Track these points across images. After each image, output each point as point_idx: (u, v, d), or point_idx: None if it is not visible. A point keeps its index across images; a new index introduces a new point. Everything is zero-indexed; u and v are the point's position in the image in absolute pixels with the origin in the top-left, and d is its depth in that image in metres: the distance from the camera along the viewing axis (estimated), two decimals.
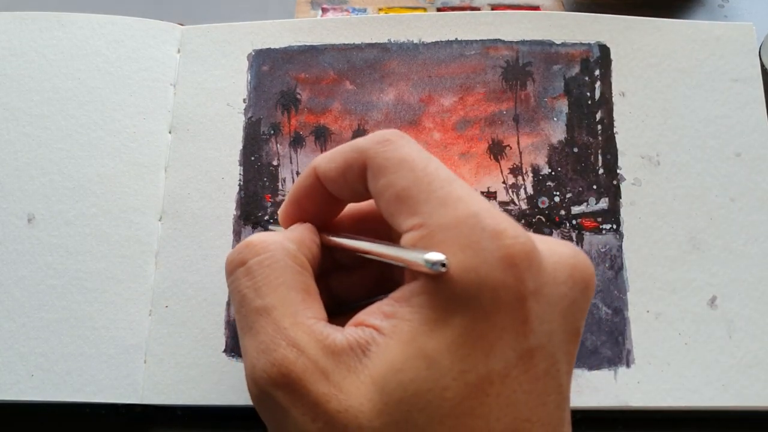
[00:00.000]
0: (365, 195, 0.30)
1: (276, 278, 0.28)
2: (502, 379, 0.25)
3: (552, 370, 0.26)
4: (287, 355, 0.25)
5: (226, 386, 0.40)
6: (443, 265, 0.25)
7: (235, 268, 0.29)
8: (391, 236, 0.31)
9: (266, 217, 0.43)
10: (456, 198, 0.26)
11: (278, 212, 0.34)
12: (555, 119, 0.45)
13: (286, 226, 0.33)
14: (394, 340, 0.25)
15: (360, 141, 0.30)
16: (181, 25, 0.48)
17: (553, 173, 0.44)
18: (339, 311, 0.33)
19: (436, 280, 0.25)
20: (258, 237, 0.30)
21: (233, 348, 0.41)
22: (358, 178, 0.30)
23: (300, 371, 0.25)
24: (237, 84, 0.46)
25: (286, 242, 0.29)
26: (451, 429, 0.24)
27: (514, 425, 0.25)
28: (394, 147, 0.28)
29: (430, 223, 0.26)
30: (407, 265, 0.26)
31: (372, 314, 0.27)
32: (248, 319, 0.28)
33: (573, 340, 0.27)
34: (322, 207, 0.33)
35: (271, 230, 0.39)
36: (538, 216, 0.43)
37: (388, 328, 0.25)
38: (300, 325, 0.26)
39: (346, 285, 0.36)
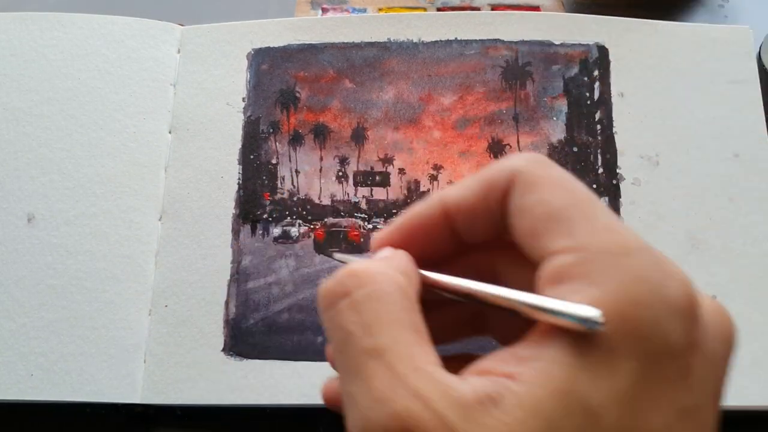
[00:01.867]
0: (498, 229, 0.27)
1: (387, 314, 0.24)
2: None
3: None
4: (411, 407, 0.21)
5: (225, 385, 0.40)
6: (598, 322, 0.21)
7: (336, 300, 0.25)
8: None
9: (265, 216, 0.43)
10: (620, 228, 0.23)
11: (376, 237, 0.29)
12: (554, 119, 0.45)
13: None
14: (543, 388, 0.21)
15: (504, 160, 0.26)
16: (181, 25, 0.48)
17: None
18: None
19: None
20: (362, 265, 0.26)
21: (232, 347, 0.41)
22: (501, 199, 0.26)
23: (427, 427, 0.21)
24: (236, 83, 0.46)
25: (394, 273, 0.25)
26: None
27: None
28: (549, 166, 0.25)
29: (589, 247, 0.23)
30: (547, 320, 0.22)
31: (501, 361, 0.23)
32: (355, 360, 0.23)
33: (718, 404, 0.24)
34: (435, 246, 0.29)
35: (338, 259, 0.33)
36: None
37: (528, 374, 0.21)
38: (420, 371, 0.23)
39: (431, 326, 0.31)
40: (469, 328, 0.31)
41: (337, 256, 0.33)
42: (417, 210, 0.28)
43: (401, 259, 0.27)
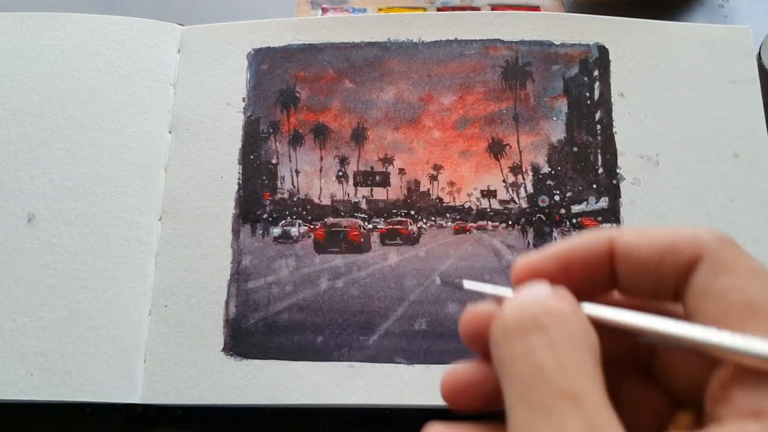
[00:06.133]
0: (666, 290, 0.25)
1: (585, 362, 0.22)
2: None
3: None
4: None
5: (224, 385, 0.40)
6: None
7: (528, 332, 0.23)
8: None
9: (265, 216, 0.43)
10: None
11: (523, 262, 0.26)
12: (554, 119, 0.45)
13: (519, 283, 0.27)
14: None
15: (691, 229, 0.25)
16: (181, 25, 0.48)
17: (552, 172, 0.44)
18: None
19: None
20: (555, 303, 0.24)
21: (232, 347, 0.41)
22: (680, 268, 0.24)
23: None
24: (236, 83, 0.46)
25: (584, 321, 0.24)
26: None
27: None
28: (741, 251, 0.24)
29: None
30: (737, 360, 0.21)
31: None
32: (545, 399, 0.22)
33: None
34: (588, 284, 0.26)
35: (472, 288, 0.28)
36: (538, 214, 0.43)
37: None
38: (617, 428, 0.21)
39: None
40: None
41: (469, 285, 0.28)
42: (580, 241, 0.26)
43: (574, 301, 0.24)
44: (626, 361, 0.28)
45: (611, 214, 0.43)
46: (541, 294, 0.24)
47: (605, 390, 0.22)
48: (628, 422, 0.22)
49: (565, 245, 0.26)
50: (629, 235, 0.25)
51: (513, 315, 0.24)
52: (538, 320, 0.23)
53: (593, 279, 0.26)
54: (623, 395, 0.27)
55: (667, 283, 0.25)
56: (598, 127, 0.44)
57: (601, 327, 0.24)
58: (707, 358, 0.23)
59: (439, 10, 0.54)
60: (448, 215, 0.44)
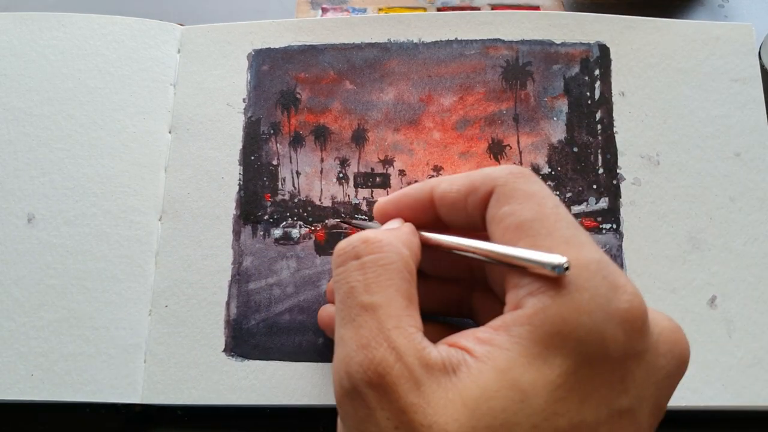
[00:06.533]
0: (476, 223, 0.31)
1: (387, 279, 0.28)
2: None
3: None
4: (387, 356, 0.25)
5: (225, 386, 0.40)
6: (566, 268, 0.25)
7: (347, 260, 0.29)
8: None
9: (266, 217, 0.43)
10: (580, 242, 0.27)
11: (377, 205, 0.35)
12: (555, 119, 0.45)
13: (382, 222, 0.34)
14: (488, 366, 0.25)
15: (490, 169, 0.30)
16: (181, 25, 0.48)
17: (553, 173, 0.44)
18: None
19: (543, 313, 0.25)
20: (374, 234, 0.30)
21: (233, 348, 0.41)
22: (479, 203, 0.30)
23: (396, 376, 0.25)
24: (237, 84, 0.46)
25: (400, 246, 0.29)
26: None
27: None
28: (526, 180, 0.29)
29: None
30: (525, 265, 0.26)
31: (465, 337, 0.26)
32: (352, 311, 0.28)
33: (657, 415, 0.27)
34: (420, 224, 0.33)
35: (363, 225, 0.40)
36: None
37: (481, 353, 0.25)
38: (402, 330, 0.26)
39: (429, 297, 0.35)
40: (456, 309, 0.36)
41: (354, 222, 0.41)
42: (411, 190, 0.33)
43: (407, 232, 0.32)
44: (472, 279, 0.35)
45: (611, 215, 0.43)
46: (369, 231, 0.30)
47: (407, 301, 0.28)
48: (481, 323, 0.27)
49: (402, 191, 0.34)
50: (444, 183, 0.32)
51: (339, 247, 0.30)
52: (356, 250, 0.29)
53: (422, 218, 0.33)
54: (474, 304, 0.35)
55: (474, 216, 0.31)
56: (599, 126, 0.44)
57: (444, 251, 0.31)
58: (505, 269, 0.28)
59: (439, 10, 0.54)
60: None
